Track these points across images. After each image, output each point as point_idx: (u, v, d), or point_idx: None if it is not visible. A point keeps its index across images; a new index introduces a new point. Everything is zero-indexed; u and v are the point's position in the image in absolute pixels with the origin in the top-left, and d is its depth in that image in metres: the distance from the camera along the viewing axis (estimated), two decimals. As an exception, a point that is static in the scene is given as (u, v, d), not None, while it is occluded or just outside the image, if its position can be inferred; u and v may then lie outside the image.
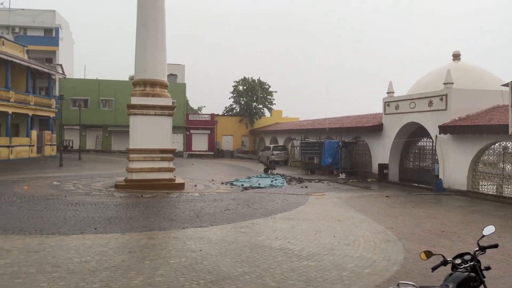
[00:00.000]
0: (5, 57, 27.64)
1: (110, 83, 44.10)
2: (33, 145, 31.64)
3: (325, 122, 31.87)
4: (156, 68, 16.26)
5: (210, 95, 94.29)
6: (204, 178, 20.77)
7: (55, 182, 16.63)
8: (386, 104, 21.77)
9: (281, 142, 38.41)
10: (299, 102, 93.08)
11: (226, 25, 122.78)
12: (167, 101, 16.35)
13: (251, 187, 17.17)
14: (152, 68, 16.15)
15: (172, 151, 16.39)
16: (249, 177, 20.90)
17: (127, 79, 47.31)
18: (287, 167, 31.20)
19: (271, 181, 19.24)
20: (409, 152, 22.13)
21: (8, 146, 28.25)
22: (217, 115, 48.67)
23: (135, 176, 15.69)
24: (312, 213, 11.26)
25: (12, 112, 28.88)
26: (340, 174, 23.75)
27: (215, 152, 45.61)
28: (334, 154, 24.71)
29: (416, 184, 19.22)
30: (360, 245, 7.81)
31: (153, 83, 16.19)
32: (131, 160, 15.77)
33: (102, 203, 12.03)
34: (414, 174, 21.11)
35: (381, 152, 22.12)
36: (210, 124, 46.58)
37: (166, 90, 16.68)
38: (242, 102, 48.21)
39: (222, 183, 18.37)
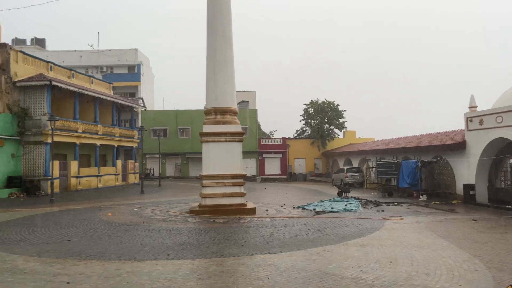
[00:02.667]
0: (94, 94, 30.44)
1: (186, 112, 46.44)
2: (118, 174, 34.08)
3: (402, 141, 30.36)
4: (226, 96, 16.77)
5: (281, 119, 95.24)
6: (276, 202, 20.69)
7: (135, 209, 17.60)
8: (469, 119, 20.19)
9: (355, 163, 37.23)
10: (375, 122, 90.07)
11: (296, 46, 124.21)
12: (237, 128, 16.70)
13: (324, 212, 16.69)
14: (222, 97, 16.68)
15: (243, 176, 16.59)
16: (321, 201, 20.41)
17: (202, 108, 49.66)
18: (362, 190, 30.03)
19: (345, 205, 18.58)
20: (499, 171, 20.11)
21: (97, 176, 30.72)
22: (289, 138, 48.75)
23: (209, 202, 16.07)
24: (388, 239, 10.58)
25: (100, 144, 31.48)
26: (421, 196, 22.25)
27: (288, 176, 45.49)
28: (413, 175, 23.28)
29: (509, 206, 17.33)
30: (441, 275, 7.11)
31: (223, 111, 16.68)
32: (204, 186, 16.22)
33: (176, 229, 12.42)
34: (506, 195, 19.07)
35: (466, 171, 20.40)
36: (282, 148, 46.74)
37: (235, 117, 17.07)
38: (313, 124, 47.87)
39: (294, 208, 18.11)
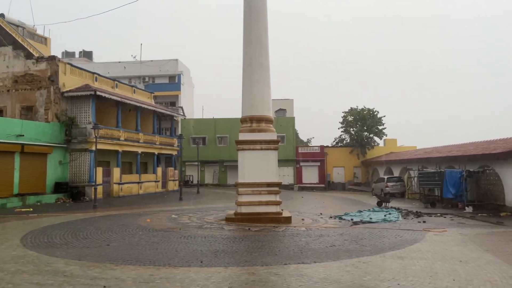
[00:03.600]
0: (136, 104, 31.49)
1: (225, 121, 47.01)
2: (158, 181, 34.93)
3: (446, 150, 29.16)
4: (262, 105, 16.80)
5: (319, 127, 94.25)
6: (313, 211, 20.39)
7: (173, 216, 17.92)
8: (518, 126, 19.06)
9: (396, 173, 36.13)
10: (417, 130, 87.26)
11: (335, 54, 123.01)
12: (272, 136, 16.66)
13: (362, 222, 16.25)
14: (258, 105, 16.73)
15: (278, 185, 16.50)
16: (360, 211, 19.91)
17: (240, 116, 50.00)
18: (403, 200, 29.06)
19: (385, 215, 18.01)
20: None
21: (138, 182, 31.64)
22: (327, 146, 48.14)
23: (244, 210, 16.09)
24: (429, 252, 10.11)
25: (141, 152, 32.44)
26: (466, 207, 21.19)
27: (326, 185, 44.83)
28: (458, 185, 22.23)
29: None
30: (486, 293, 6.68)
31: (259, 119, 16.71)
32: (240, 194, 16.27)
33: (211, 236, 12.50)
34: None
35: (516, 182, 19.24)
36: (320, 156, 46.20)
37: (271, 125, 17.05)
38: (352, 132, 47.02)
39: (331, 217, 17.77)
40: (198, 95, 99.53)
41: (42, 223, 15.36)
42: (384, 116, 46.46)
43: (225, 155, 45.98)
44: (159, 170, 35.75)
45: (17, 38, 29.54)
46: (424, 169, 27.81)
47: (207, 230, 13.89)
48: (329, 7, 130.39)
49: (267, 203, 16.06)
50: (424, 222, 16.36)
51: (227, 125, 46.23)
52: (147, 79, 51.14)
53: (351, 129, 47.23)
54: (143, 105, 32.51)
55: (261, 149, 16.34)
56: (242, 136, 16.62)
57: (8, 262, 8.83)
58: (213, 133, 47.19)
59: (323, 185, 44.95)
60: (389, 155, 42.35)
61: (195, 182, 43.55)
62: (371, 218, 17.13)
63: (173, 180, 38.03)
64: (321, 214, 19.03)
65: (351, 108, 47.69)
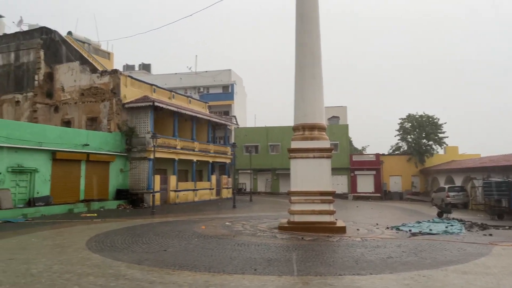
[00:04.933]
0: (191, 113, 32.50)
1: (277, 129, 47.16)
2: (212, 189, 35.68)
3: (514, 157, 27.19)
4: (314, 112, 16.68)
5: (374, 135, 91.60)
6: (368, 221, 19.82)
7: (227, 223, 18.20)
8: None
9: (458, 182, 34.18)
10: (481, 137, 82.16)
11: (388, 61, 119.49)
12: (326, 144, 16.46)
13: (421, 233, 15.53)
14: (310, 113, 16.63)
15: (332, 193, 16.22)
16: (419, 222, 19.03)
17: (292, 124, 49.95)
18: (466, 211, 27.43)
19: (446, 227, 17.08)
20: None
21: (193, 190, 32.53)
22: (383, 154, 46.65)
23: (297, 218, 15.98)
24: (496, 267, 9.45)
25: (197, 160, 33.36)
26: (538, 220, 19.58)
27: (382, 194, 43.40)
28: (528, 196, 20.61)
29: None
30: None
31: (312, 127, 16.59)
32: (292, 202, 16.20)
33: (264, 244, 12.54)
34: None
35: None
36: (375, 165, 44.85)
37: (324, 133, 16.86)
38: (410, 140, 45.24)
39: (387, 228, 17.15)
40: (250, 104, 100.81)
41: (105, 228, 16.24)
42: (445, 123, 44.34)
43: (277, 163, 46.05)
44: (214, 178, 36.52)
45: (83, 53, 31.68)
46: (490, 178, 26.08)
47: (260, 238, 13.96)
48: (383, 10, 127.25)
49: (321, 212, 15.84)
50: (490, 235, 15.33)
51: (279, 133, 46.33)
52: (201, 90, 52.69)
53: (409, 136, 45.49)
54: (198, 115, 33.47)
55: (314, 157, 16.18)
56: (295, 144, 16.58)
57: (75, 264, 9.42)
58: (266, 141, 47.48)
59: (379, 195, 43.56)
60: (450, 163, 40.21)
61: (248, 190, 43.97)
62: (431, 230, 16.33)
63: (227, 188, 38.66)
64: (377, 224, 18.44)
65: (408, 114, 46.00)
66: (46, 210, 21.29)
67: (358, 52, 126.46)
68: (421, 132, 44.18)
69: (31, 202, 21.25)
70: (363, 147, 60.30)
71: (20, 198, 21.18)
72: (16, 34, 32.80)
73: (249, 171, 42.54)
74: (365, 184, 44.72)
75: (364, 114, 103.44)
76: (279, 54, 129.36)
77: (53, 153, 22.70)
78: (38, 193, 21.81)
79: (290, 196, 16.35)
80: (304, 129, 16.68)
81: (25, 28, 34.34)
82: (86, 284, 7.74)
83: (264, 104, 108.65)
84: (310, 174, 16.00)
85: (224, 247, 11.95)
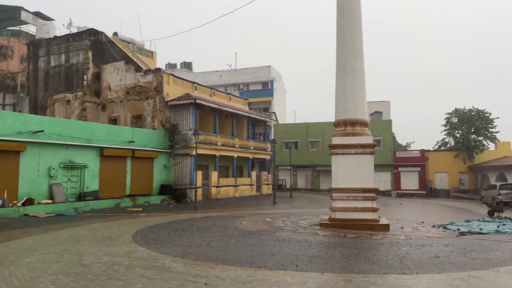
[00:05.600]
0: (232, 110, 32.83)
1: (317, 125, 46.68)
2: (253, 185, 35.93)
3: None
4: (356, 108, 16.35)
5: (419, 130, 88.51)
6: (413, 219, 19.23)
7: (267, 219, 18.26)
8: None
9: (510, 179, 32.40)
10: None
11: (434, 53, 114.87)
12: (368, 139, 16.10)
13: (470, 233, 14.85)
14: (352, 108, 16.31)
15: (374, 190, 15.85)
16: (467, 221, 18.23)
17: (333, 120, 49.23)
18: (520, 210, 25.90)
19: (498, 226, 16.22)
20: None
21: (234, 186, 32.90)
22: (428, 150, 45.02)
23: (339, 215, 15.76)
24: (555, 270, 8.87)
25: (237, 156, 33.68)
26: None
27: (428, 191, 41.91)
28: None
29: None
30: None
31: (353, 122, 16.27)
32: (334, 199, 15.99)
33: (306, 241, 12.47)
34: None
35: None
36: (420, 161, 43.38)
37: (366, 128, 16.49)
38: (457, 135, 43.34)
39: (433, 226, 16.55)
40: (290, 100, 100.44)
41: (150, 222, 16.77)
42: (498, 117, 42.06)
43: (317, 160, 45.62)
44: (254, 174, 36.76)
45: (128, 53, 32.77)
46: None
47: (301, 234, 13.89)
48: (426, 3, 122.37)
49: (363, 210, 15.53)
50: (547, 235, 14.41)
51: (319, 130, 45.85)
52: (241, 86, 53.07)
53: (456, 131, 43.60)
54: (238, 112, 33.76)
55: (356, 153, 15.87)
56: (336, 140, 16.33)
57: (123, 257, 9.79)
58: (306, 138, 47.14)
59: (424, 192, 42.12)
60: (502, 160, 38.15)
61: (288, 186, 43.89)
62: (481, 229, 15.57)
63: (267, 184, 38.79)
64: (422, 222, 17.84)
65: (455, 109, 44.09)
66: (95, 204, 22.30)
67: (402, 45, 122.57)
68: (470, 127, 42.21)
69: (81, 196, 22.32)
70: (407, 143, 58.47)
71: (72, 193, 22.30)
72: (66, 36, 34.47)
73: (289, 168, 42.41)
74: (409, 181, 43.39)
75: (409, 109, 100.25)
76: (320, 49, 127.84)
77: (101, 149, 23.71)
78: (87, 188, 22.88)
79: (332, 193, 16.15)
80: (346, 124, 16.38)
81: (74, 30, 36.00)
82: (133, 275, 8.03)
83: (304, 100, 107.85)
84: (352, 171, 15.72)
85: (265, 243, 12.00)
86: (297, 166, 46.20)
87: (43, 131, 20.36)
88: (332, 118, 17.21)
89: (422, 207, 27.57)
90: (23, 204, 19.01)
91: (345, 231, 14.50)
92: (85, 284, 7.36)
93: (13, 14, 40.77)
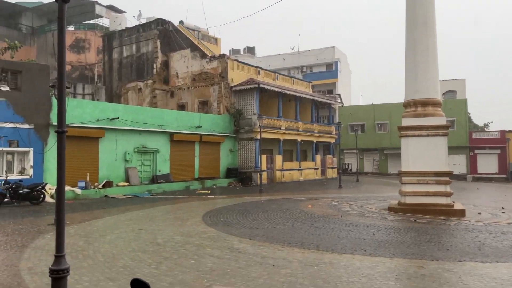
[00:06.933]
0: (295, 94, 32.59)
1: (384, 106, 44.92)
2: (317, 168, 35.62)
3: None
4: (428, 87, 15.46)
5: (499, 109, 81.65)
6: (492, 205, 17.98)
7: (333, 203, 18.08)
8: None
9: None
10: None
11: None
12: (441, 120, 15.19)
13: (559, 220, 13.58)
14: (423, 88, 15.45)
15: (448, 174, 15.00)
16: (556, 207, 16.67)
17: (401, 101, 47.01)
18: None
19: None
20: None
21: (298, 169, 32.86)
22: (509, 131, 41.49)
23: (409, 200, 15.18)
24: None
25: (301, 140, 33.51)
26: None
27: (508, 175, 38.82)
28: None
29: None
30: None
31: (425, 103, 15.43)
32: (403, 183, 15.40)
33: (374, 225, 12.19)
34: None
35: None
36: (499, 143, 40.18)
37: (439, 109, 15.56)
38: (545, 114, 39.41)
39: (516, 213, 15.35)
40: (355, 81, 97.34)
41: (218, 204, 17.36)
42: None
43: (385, 143, 44.04)
44: (318, 157, 36.39)
45: (194, 41, 33.66)
46: None
47: (369, 219, 13.59)
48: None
49: (435, 194, 14.80)
50: None
51: (386, 111, 44.10)
52: (305, 69, 52.34)
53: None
54: (301, 95, 33.43)
55: (428, 135, 15.08)
56: (406, 122, 15.63)
57: (193, 236, 10.27)
58: (372, 120, 45.59)
59: (504, 176, 39.08)
60: None
61: (353, 170, 42.95)
62: None
63: (332, 168, 38.25)
64: (503, 208, 16.61)
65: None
66: (167, 187, 23.51)
67: (480, 18, 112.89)
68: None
69: (154, 179, 23.63)
70: (485, 123, 54.43)
71: (145, 176, 23.68)
72: (136, 27, 36.19)
73: (354, 151, 41.39)
74: (487, 164, 40.41)
75: (487, 87, 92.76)
76: (387, 27, 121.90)
77: (171, 135, 24.82)
78: (159, 171, 24.15)
79: (401, 176, 15.55)
80: (417, 105, 15.59)
81: (143, 21, 37.67)
82: (203, 254, 8.40)
83: (370, 81, 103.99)
84: (424, 154, 14.99)
85: (331, 227, 11.92)
86: (363, 149, 44.98)
87: (118, 118, 21.73)
88: (401, 99, 16.46)
89: (502, 192, 25.63)
90: (103, 186, 20.56)
91: (416, 216, 13.96)
92: (160, 261, 7.84)
93: (88, 8, 43.48)
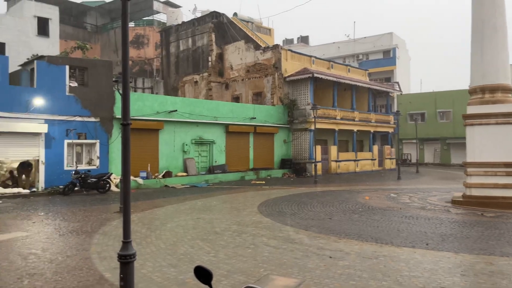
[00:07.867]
0: (351, 82, 31.78)
1: (447, 94, 42.56)
2: (374, 159, 34.61)
3: None
4: (497, 71, 14.39)
5: None
6: None
7: (392, 194, 17.50)
8: None
9: None
10: None
11: None
12: (511, 108, 14.10)
13: None
14: (491, 72, 14.40)
15: (520, 165, 13.92)
16: None
17: (465, 87, 44.25)
18: None
19: None
20: None
21: (354, 160, 32.14)
22: None
23: (475, 192, 14.31)
24: None
25: (357, 130, 32.69)
26: None
27: None
28: None
29: None
30: None
31: (493, 89, 14.39)
32: (468, 175, 14.53)
33: (436, 219, 11.66)
34: None
35: None
36: None
37: (510, 95, 14.44)
38: None
39: None
40: (415, 68, 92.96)
41: (273, 194, 17.46)
42: None
43: (447, 132, 41.77)
44: (375, 148, 35.33)
45: (247, 32, 33.83)
46: None
47: (430, 211, 13.02)
48: None
49: (506, 186, 13.80)
50: None
51: (449, 99, 41.72)
52: (360, 57, 50.80)
53: None
54: (357, 83, 32.54)
55: (497, 123, 14.06)
56: (472, 110, 14.68)
57: (249, 226, 10.42)
58: (433, 108, 43.37)
59: None
60: None
61: (413, 161, 41.24)
62: None
63: (390, 159, 36.99)
64: None
65: None
66: (223, 177, 24.02)
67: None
68: None
69: (211, 170, 24.24)
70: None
71: (202, 166, 24.35)
72: (191, 21, 37.03)
73: (414, 141, 39.70)
74: None
75: None
76: (449, 9, 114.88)
77: (226, 126, 25.26)
78: (216, 162, 24.71)
79: (466, 167, 14.68)
80: (484, 91, 14.58)
81: (198, 15, 38.43)
82: (260, 244, 8.50)
83: (431, 68, 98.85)
84: (492, 143, 14.03)
85: (390, 219, 11.56)
86: (423, 139, 43.00)
87: (176, 110, 22.45)
88: (465, 86, 15.49)
89: None
90: (163, 176, 21.43)
91: (483, 209, 13.16)
92: (218, 249, 8.04)
93: (146, 5, 45.09)
